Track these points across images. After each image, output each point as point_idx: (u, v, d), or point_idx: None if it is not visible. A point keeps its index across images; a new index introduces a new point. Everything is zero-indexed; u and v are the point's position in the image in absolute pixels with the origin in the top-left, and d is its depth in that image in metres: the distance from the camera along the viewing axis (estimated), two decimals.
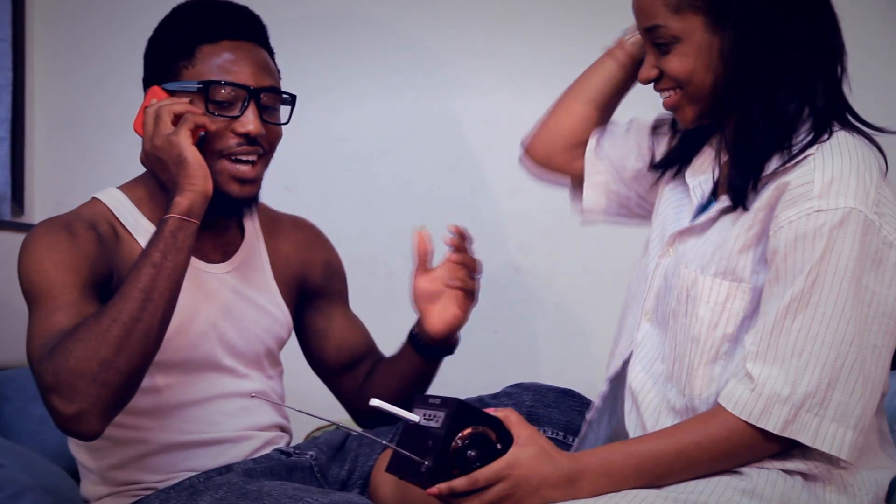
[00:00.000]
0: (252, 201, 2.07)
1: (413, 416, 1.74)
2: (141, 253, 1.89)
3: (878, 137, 1.79)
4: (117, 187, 2.09)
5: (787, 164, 1.71)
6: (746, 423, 1.68)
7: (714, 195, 1.87)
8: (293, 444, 2.21)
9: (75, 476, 2.14)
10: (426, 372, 2.21)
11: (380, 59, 3.01)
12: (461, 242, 2.11)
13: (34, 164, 3.09)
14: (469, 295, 2.14)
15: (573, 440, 2.11)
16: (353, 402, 2.29)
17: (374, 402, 1.75)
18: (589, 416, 1.98)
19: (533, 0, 2.96)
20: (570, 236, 2.90)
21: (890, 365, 1.76)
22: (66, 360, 1.80)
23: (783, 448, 1.70)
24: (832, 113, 1.76)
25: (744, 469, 1.72)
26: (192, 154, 1.91)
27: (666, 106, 1.84)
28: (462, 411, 1.71)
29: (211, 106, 1.99)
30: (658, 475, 1.71)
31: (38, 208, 3.04)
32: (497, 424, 1.74)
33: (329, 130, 3.01)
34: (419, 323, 2.17)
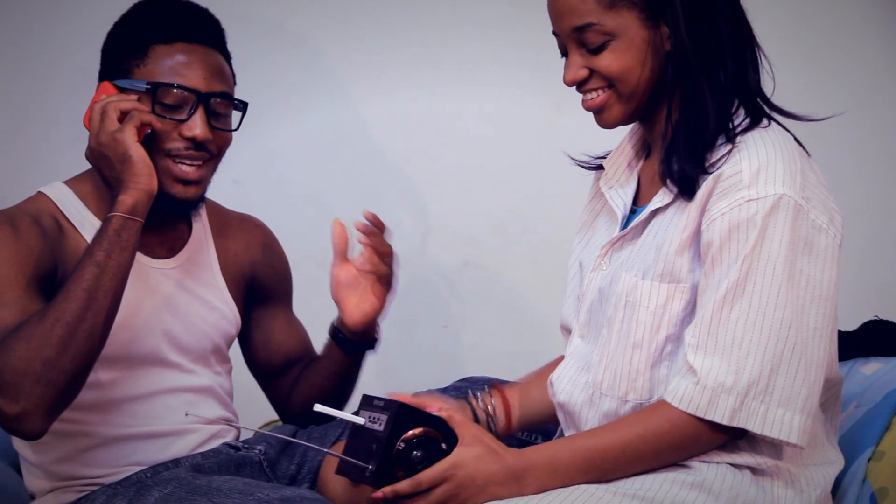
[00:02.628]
0: (196, 203, 2.07)
1: (358, 419, 1.75)
2: (85, 251, 1.88)
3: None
4: (63, 182, 2.07)
5: (719, 158, 1.73)
6: (692, 415, 1.67)
7: (635, 202, 1.89)
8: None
9: (20, 471, 2.13)
10: (350, 368, 2.22)
11: (330, 56, 3.01)
12: (372, 228, 2.09)
13: None
14: (384, 282, 2.13)
15: (523, 434, 2.11)
16: (284, 403, 2.31)
17: (318, 407, 1.76)
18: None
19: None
20: (519, 231, 2.95)
21: (835, 348, 1.78)
22: (10, 359, 1.79)
23: (729, 439, 1.70)
24: (761, 100, 1.80)
25: (692, 463, 1.71)
26: (137, 152, 1.89)
27: (591, 106, 1.82)
28: (404, 414, 1.72)
29: (158, 107, 1.98)
30: (605, 470, 1.71)
31: None
32: (441, 425, 1.74)
33: (278, 124, 2.99)
34: (339, 316, 2.16)
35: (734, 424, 1.65)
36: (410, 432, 1.72)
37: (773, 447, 1.71)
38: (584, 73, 1.78)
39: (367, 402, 1.77)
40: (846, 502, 1.86)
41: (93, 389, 1.97)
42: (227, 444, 2.11)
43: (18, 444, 2.04)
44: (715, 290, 1.67)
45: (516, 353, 2.84)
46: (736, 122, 1.75)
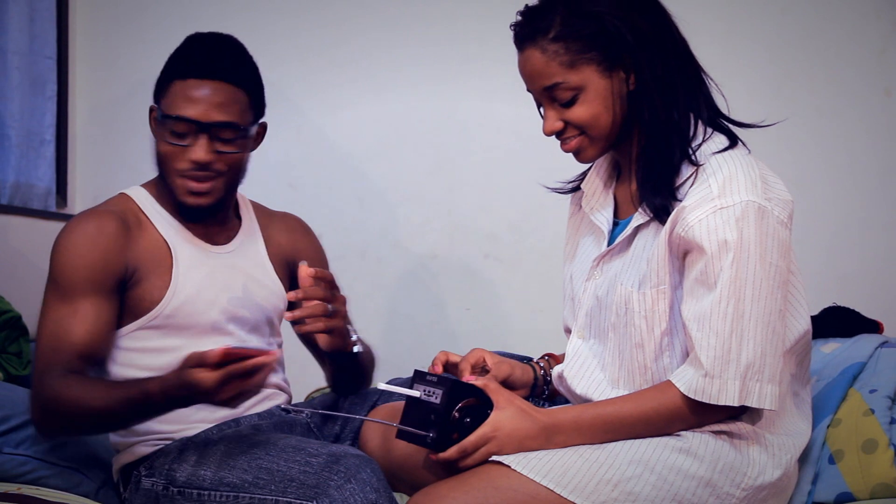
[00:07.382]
0: (210, 209, 2.08)
1: (415, 393, 1.82)
2: (139, 389, 1.86)
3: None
4: (141, 185, 2.16)
5: (686, 179, 1.77)
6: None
7: (616, 215, 1.91)
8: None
9: None
10: (345, 365, 2.15)
11: (369, 78, 3.05)
12: (307, 292, 1.93)
13: (75, 163, 3.14)
14: (333, 329, 2.00)
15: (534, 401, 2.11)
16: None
17: (382, 385, 1.86)
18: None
19: (502, 9, 2.96)
20: (532, 228, 2.98)
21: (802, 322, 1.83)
22: (51, 405, 1.91)
23: (727, 415, 1.75)
24: (717, 121, 1.82)
25: (680, 432, 1.76)
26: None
27: (568, 150, 1.85)
28: (456, 388, 1.79)
29: (169, 135, 2.03)
30: (620, 433, 1.76)
31: (79, 201, 3.12)
32: (480, 393, 1.81)
33: (327, 137, 3.10)
34: None
35: (739, 404, 1.71)
36: (462, 403, 1.77)
37: (750, 416, 1.76)
38: (559, 125, 1.81)
39: (420, 377, 1.82)
40: (809, 463, 1.91)
41: (162, 354, 2.03)
42: (280, 407, 2.16)
43: None
44: (707, 291, 1.71)
45: (528, 332, 2.87)
46: (696, 143, 1.78)
